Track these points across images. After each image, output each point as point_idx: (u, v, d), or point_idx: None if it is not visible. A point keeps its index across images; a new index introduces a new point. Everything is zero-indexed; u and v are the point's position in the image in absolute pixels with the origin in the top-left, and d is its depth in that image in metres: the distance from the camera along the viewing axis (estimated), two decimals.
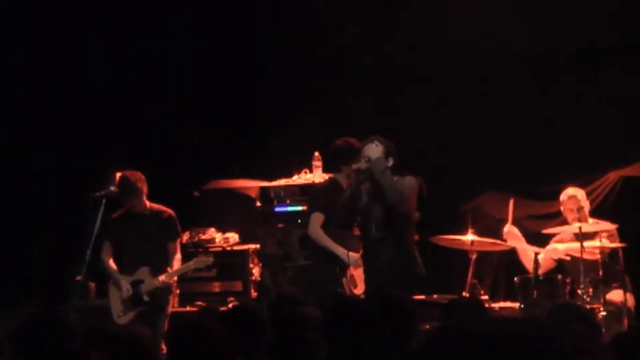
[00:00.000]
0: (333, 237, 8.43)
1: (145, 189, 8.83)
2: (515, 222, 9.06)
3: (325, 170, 9.72)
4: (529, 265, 8.77)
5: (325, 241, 8.42)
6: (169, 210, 8.97)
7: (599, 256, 8.38)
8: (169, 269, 8.80)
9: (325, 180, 9.03)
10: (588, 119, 9.88)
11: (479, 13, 10.36)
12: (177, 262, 8.88)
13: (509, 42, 10.21)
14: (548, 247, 8.87)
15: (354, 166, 8.14)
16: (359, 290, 8.40)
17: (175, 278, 8.95)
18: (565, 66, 10.06)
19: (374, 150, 7.98)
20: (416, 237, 8.21)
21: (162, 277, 8.72)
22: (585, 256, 8.33)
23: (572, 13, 10.11)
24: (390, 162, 8.00)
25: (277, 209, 9.87)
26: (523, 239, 8.99)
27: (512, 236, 8.90)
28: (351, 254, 8.28)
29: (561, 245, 8.85)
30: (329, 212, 8.47)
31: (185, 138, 11.10)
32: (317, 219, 8.52)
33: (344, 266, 8.33)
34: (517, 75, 10.14)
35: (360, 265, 8.35)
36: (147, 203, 8.89)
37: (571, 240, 8.75)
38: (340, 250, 8.31)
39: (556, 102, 10.06)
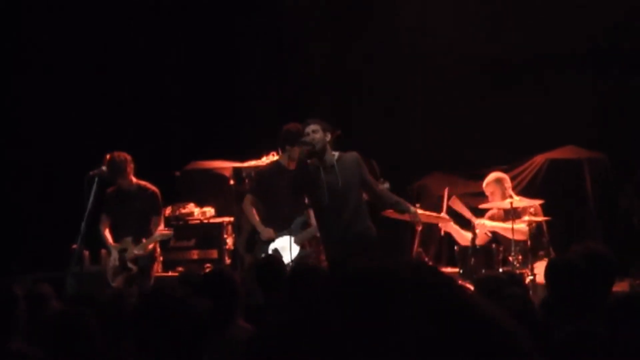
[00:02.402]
0: (266, 214, 9.12)
1: (130, 169, 9.30)
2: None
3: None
4: (464, 243, 9.31)
5: (251, 218, 9.11)
6: (153, 187, 9.43)
7: (526, 233, 8.99)
8: (144, 240, 9.32)
9: (269, 164, 9.55)
10: (518, 111, 10.63)
11: (434, 21, 11.04)
12: (157, 234, 9.39)
13: (453, 46, 10.86)
14: (478, 221, 9.36)
15: (300, 140, 8.32)
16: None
17: (151, 246, 9.36)
18: (497, 67, 10.78)
19: (314, 126, 8.31)
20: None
21: (135, 249, 9.25)
22: (515, 234, 8.91)
23: (510, 25, 10.95)
24: (329, 137, 8.35)
25: None
26: (458, 228, 9.39)
27: (447, 225, 9.38)
28: (266, 229, 8.99)
29: (489, 223, 9.40)
30: (266, 193, 9.11)
31: (170, 125, 11.59)
32: (248, 199, 9.20)
33: (266, 243, 9.03)
34: (459, 75, 10.83)
35: (270, 237, 8.95)
36: (134, 180, 9.38)
37: (502, 215, 9.40)
38: (260, 227, 9.03)
39: (491, 98, 10.77)
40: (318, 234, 8.83)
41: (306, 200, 8.91)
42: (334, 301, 1.47)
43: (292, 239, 8.91)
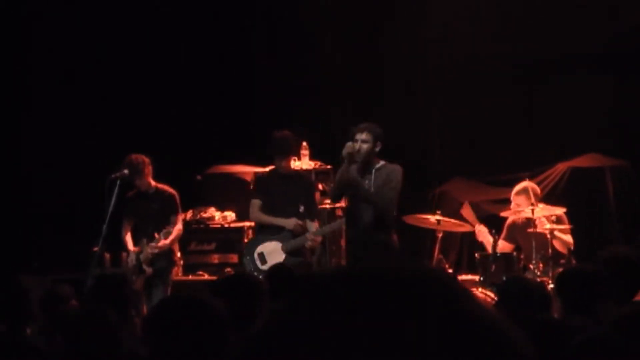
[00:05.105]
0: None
1: (149, 170, 9.32)
2: (475, 205, 9.60)
3: (311, 158, 10.40)
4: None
5: (265, 219, 9.21)
6: (171, 190, 9.46)
7: (569, 245, 9.02)
8: (152, 243, 9.24)
9: (266, 171, 9.72)
10: (540, 117, 10.67)
11: (448, 23, 11.12)
12: (175, 232, 9.36)
13: (470, 49, 10.93)
14: (478, 228, 9.30)
15: (347, 145, 8.43)
16: (266, 266, 8.75)
17: (163, 243, 9.22)
18: (519, 72, 10.82)
19: (366, 135, 8.51)
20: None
21: (148, 249, 9.22)
22: (560, 246, 8.96)
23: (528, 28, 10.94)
24: (379, 146, 8.58)
25: None
26: (490, 237, 9.16)
27: (482, 235, 9.31)
28: (289, 220, 9.03)
29: (484, 229, 9.31)
30: (266, 197, 9.23)
31: (192, 130, 11.60)
32: (254, 204, 9.28)
33: (249, 247, 9.29)
34: (480, 80, 10.83)
35: (297, 228, 9.00)
36: (153, 183, 9.40)
37: (522, 223, 9.34)
38: (282, 221, 9.06)
39: (512, 103, 10.80)
40: (309, 243, 9.00)
41: (301, 209, 9.10)
42: (342, 300, 1.39)
43: (280, 245, 9.05)
